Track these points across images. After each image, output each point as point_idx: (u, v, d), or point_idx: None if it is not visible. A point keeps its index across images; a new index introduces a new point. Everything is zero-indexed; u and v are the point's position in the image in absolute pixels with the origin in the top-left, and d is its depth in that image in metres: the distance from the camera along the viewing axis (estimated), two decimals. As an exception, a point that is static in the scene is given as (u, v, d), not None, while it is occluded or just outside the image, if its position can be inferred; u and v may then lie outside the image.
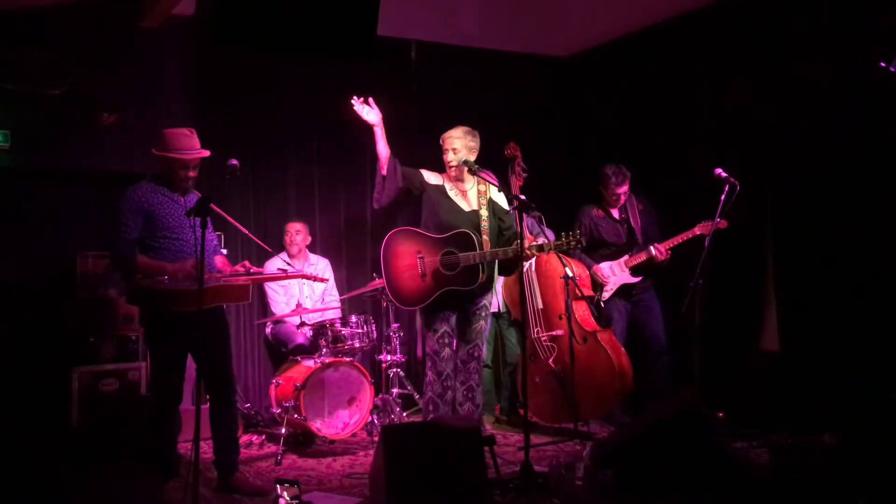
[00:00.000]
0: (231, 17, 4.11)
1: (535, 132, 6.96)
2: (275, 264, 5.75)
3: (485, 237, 4.78)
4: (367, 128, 4.86)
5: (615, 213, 5.76)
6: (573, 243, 4.66)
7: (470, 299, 4.85)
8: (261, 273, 4.54)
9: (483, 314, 4.93)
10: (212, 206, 4.26)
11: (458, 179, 4.92)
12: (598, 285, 5.67)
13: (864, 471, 3.82)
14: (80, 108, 5.55)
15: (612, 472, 3.87)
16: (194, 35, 4.79)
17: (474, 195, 4.91)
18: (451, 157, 4.85)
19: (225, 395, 4.32)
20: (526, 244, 4.66)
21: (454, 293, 4.74)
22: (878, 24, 4.76)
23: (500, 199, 4.96)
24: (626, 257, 5.63)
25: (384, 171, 4.86)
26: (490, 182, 4.83)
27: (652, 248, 5.48)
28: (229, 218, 4.36)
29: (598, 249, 5.76)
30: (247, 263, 4.35)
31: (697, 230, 5.33)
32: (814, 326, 5.19)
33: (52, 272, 5.52)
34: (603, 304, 5.66)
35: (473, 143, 4.86)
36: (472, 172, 4.80)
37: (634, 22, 6.35)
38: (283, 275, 4.74)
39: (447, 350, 4.84)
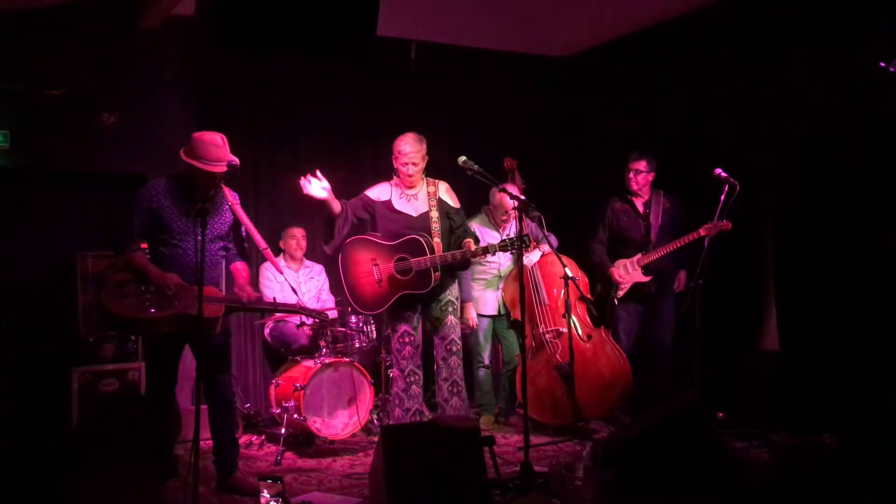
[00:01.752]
0: (231, 17, 4.10)
1: (535, 132, 6.96)
2: (271, 269, 5.76)
3: (436, 239, 4.87)
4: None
5: (640, 207, 5.72)
6: (516, 243, 4.63)
7: (432, 297, 4.95)
8: (260, 302, 4.37)
9: (451, 309, 5.00)
10: (235, 208, 4.25)
11: (406, 185, 4.99)
12: (611, 284, 5.68)
13: (864, 471, 3.82)
14: (80, 108, 5.54)
15: (612, 472, 3.87)
16: (194, 35, 4.79)
17: (424, 197, 4.99)
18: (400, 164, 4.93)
19: (223, 394, 4.32)
20: (530, 244, 4.68)
21: (412, 296, 4.86)
22: (878, 24, 4.76)
23: (450, 199, 5.05)
24: (639, 255, 5.62)
25: (339, 225, 4.91)
26: (485, 181, 4.83)
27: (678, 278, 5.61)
28: (247, 222, 4.25)
29: (619, 244, 5.73)
30: (248, 288, 4.24)
31: (703, 231, 5.26)
32: (814, 326, 5.19)
33: (52, 272, 5.51)
34: (616, 303, 5.66)
35: (419, 146, 4.93)
36: (469, 172, 4.80)
37: (634, 22, 6.35)
38: (273, 306, 4.68)
39: (408, 348, 4.95)
